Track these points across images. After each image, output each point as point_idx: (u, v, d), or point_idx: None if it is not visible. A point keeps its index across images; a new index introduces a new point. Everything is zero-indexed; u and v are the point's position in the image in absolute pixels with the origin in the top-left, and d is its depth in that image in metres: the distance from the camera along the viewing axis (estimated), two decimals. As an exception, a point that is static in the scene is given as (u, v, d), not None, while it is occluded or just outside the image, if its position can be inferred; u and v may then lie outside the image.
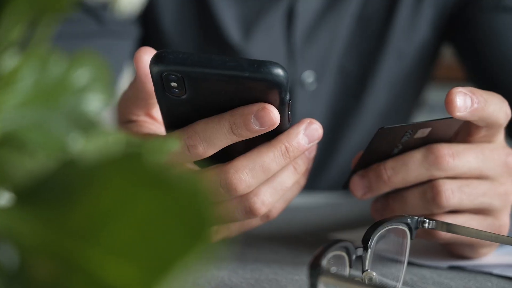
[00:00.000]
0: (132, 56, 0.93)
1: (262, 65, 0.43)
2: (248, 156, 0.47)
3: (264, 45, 0.91)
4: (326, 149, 0.99)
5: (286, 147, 0.47)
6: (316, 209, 0.79)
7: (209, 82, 0.43)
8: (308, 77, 0.94)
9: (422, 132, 0.52)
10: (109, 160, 0.21)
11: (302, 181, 0.54)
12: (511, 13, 0.90)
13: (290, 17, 0.92)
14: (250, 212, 0.49)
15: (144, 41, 0.95)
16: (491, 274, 0.54)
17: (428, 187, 0.52)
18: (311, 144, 0.48)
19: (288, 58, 0.93)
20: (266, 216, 0.53)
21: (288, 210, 0.74)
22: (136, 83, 0.50)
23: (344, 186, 0.57)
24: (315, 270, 0.35)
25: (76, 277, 0.20)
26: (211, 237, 0.17)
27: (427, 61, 1.00)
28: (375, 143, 0.52)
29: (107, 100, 0.26)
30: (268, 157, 0.47)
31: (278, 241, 0.64)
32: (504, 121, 0.52)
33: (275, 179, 0.49)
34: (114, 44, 0.87)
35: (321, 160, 0.99)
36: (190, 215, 0.18)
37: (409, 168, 0.52)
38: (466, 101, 0.49)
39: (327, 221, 0.72)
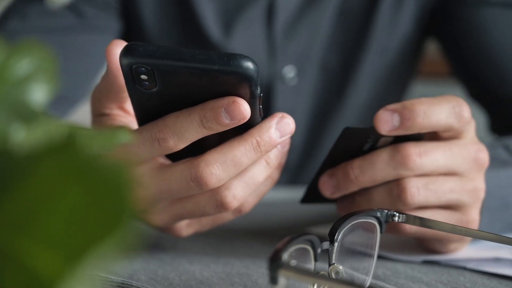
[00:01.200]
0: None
1: (232, 58, 0.42)
2: (219, 150, 0.47)
3: (244, 40, 0.91)
4: (308, 144, 0.98)
5: (257, 141, 0.47)
6: (296, 203, 0.78)
7: (179, 75, 0.43)
8: (289, 72, 0.94)
9: None
10: (45, 150, 0.21)
11: (275, 176, 0.54)
12: (493, 7, 0.90)
13: (270, 11, 0.92)
14: (221, 206, 0.48)
15: (126, 36, 0.95)
16: (464, 268, 0.54)
17: (394, 185, 0.52)
18: (283, 138, 0.48)
19: (269, 53, 0.93)
20: (238, 210, 0.52)
21: (267, 204, 0.74)
22: (107, 76, 0.49)
23: (303, 200, 0.57)
24: (275, 263, 0.35)
25: (9, 266, 0.20)
26: (130, 227, 0.17)
27: (410, 56, 1.00)
28: (341, 143, 0.53)
29: (51, 90, 0.25)
30: (239, 151, 0.47)
31: (255, 235, 0.63)
32: (460, 124, 0.52)
33: (246, 173, 0.49)
34: (95, 38, 0.87)
35: (303, 155, 0.98)
36: (111, 204, 0.17)
37: (376, 168, 0.52)
38: (393, 119, 0.50)
39: (306, 216, 0.71)
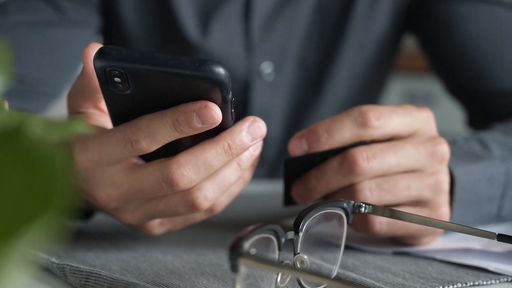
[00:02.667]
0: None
1: (203, 64, 0.43)
2: (191, 152, 0.47)
3: (221, 37, 0.92)
4: (285, 139, 0.99)
5: (228, 144, 0.48)
6: (274, 196, 0.79)
7: (152, 79, 0.44)
8: (266, 68, 0.95)
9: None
10: (-8, 137, 0.22)
11: (248, 176, 0.55)
12: (469, 3, 0.91)
13: (247, 8, 0.92)
14: (192, 206, 0.49)
15: (105, 31, 0.95)
16: (433, 259, 0.55)
17: (348, 188, 0.54)
18: (255, 141, 0.49)
19: (246, 49, 0.93)
20: (210, 210, 0.53)
21: (245, 197, 0.75)
22: (83, 77, 0.50)
23: (285, 203, 0.59)
24: (235, 252, 0.36)
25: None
26: (59, 213, 0.18)
27: (388, 51, 1.01)
28: (289, 172, 0.57)
29: (4, 80, 0.26)
30: (211, 154, 0.47)
31: (230, 228, 0.64)
32: (369, 132, 0.53)
33: (218, 175, 0.49)
34: (74, 33, 0.87)
35: (281, 150, 0.99)
36: (44, 187, 0.18)
37: (328, 177, 0.54)
38: (302, 143, 0.55)
39: (283, 209, 0.72)
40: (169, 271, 0.50)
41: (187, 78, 0.43)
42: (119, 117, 0.48)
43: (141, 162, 0.50)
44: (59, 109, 0.80)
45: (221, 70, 0.43)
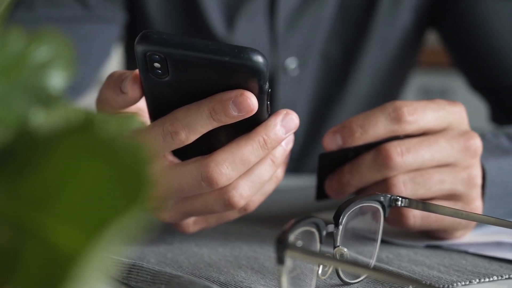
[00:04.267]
0: (118, 40, 0.94)
1: (242, 51, 0.43)
2: (228, 149, 0.48)
3: (247, 32, 0.92)
4: (309, 134, 1.00)
5: (264, 139, 0.48)
6: (300, 190, 0.79)
7: (190, 65, 0.44)
8: (291, 63, 0.95)
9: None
10: (64, 131, 0.22)
11: (280, 174, 0.55)
12: None
13: (272, 4, 0.93)
14: (228, 205, 0.49)
15: (130, 27, 0.95)
16: (466, 252, 0.55)
17: (381, 182, 0.54)
18: (288, 134, 0.49)
19: (271, 45, 0.94)
20: (244, 209, 0.54)
21: (273, 192, 0.75)
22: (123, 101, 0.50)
23: (318, 197, 0.59)
24: (282, 244, 0.36)
25: (31, 243, 0.21)
26: (148, 202, 0.18)
27: (411, 46, 1.01)
28: (323, 166, 0.57)
29: (68, 76, 0.26)
30: (247, 150, 0.48)
31: (261, 221, 0.64)
32: (402, 127, 0.54)
33: (253, 172, 0.50)
34: (100, 28, 0.88)
35: (305, 146, 1.00)
36: (130, 179, 0.18)
37: (362, 171, 0.54)
38: (336, 139, 0.55)
39: (310, 202, 0.72)
40: (206, 264, 0.50)
41: (225, 65, 0.43)
42: (156, 106, 0.49)
43: (177, 160, 0.50)
44: (85, 103, 0.80)
45: (259, 58, 0.43)
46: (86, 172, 0.21)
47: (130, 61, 1.05)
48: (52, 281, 0.20)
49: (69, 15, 0.86)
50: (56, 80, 0.26)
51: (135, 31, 0.96)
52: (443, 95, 2.48)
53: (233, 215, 0.55)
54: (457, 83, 2.36)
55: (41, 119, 0.25)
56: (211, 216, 0.54)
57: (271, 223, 0.64)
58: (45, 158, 0.22)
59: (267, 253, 0.54)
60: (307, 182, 0.88)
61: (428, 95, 2.52)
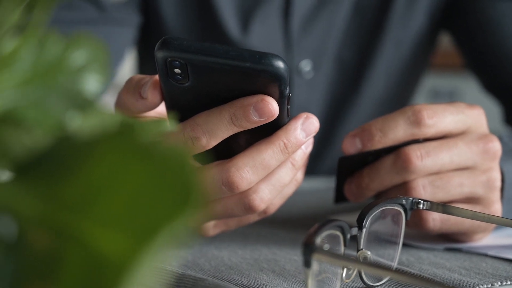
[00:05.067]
0: (133, 43, 0.94)
1: (263, 56, 0.43)
2: (248, 153, 0.48)
3: (261, 34, 0.92)
4: (324, 137, 1.00)
5: (284, 143, 0.48)
6: (315, 193, 0.79)
7: (211, 70, 0.44)
8: (305, 66, 0.95)
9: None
10: (102, 136, 0.22)
11: (300, 177, 0.55)
12: (507, 1, 0.91)
13: (287, 6, 0.93)
14: (249, 208, 0.49)
15: (145, 29, 0.96)
16: (486, 255, 0.55)
17: (400, 185, 0.55)
18: (308, 137, 0.50)
19: (286, 47, 0.94)
20: (264, 212, 0.54)
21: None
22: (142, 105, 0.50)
23: (336, 200, 0.59)
24: (309, 248, 0.36)
25: (71, 247, 0.21)
26: (198, 205, 0.18)
27: (424, 48, 1.01)
28: (342, 170, 0.57)
29: (103, 80, 0.26)
30: (268, 154, 0.48)
31: (278, 224, 0.65)
32: (423, 130, 0.53)
33: (273, 176, 0.50)
34: (114, 31, 0.88)
35: (319, 148, 1.00)
36: (177, 184, 0.18)
37: (382, 175, 0.55)
38: (356, 142, 0.55)
39: (326, 205, 0.72)
40: (227, 267, 0.50)
41: (246, 71, 0.44)
42: (176, 111, 0.49)
43: (197, 165, 0.51)
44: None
45: (280, 64, 0.43)
46: (129, 177, 0.21)
47: (143, 64, 1.05)
48: (95, 286, 0.20)
49: (84, 18, 0.86)
50: (92, 84, 0.26)
51: (149, 34, 0.96)
52: (451, 97, 2.48)
53: (253, 218, 0.55)
54: (466, 85, 2.37)
55: (77, 123, 0.25)
56: (231, 219, 0.54)
57: (289, 226, 0.64)
58: (85, 163, 0.22)
59: (287, 255, 0.54)
60: (321, 184, 0.88)
61: (437, 97, 2.52)
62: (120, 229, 0.20)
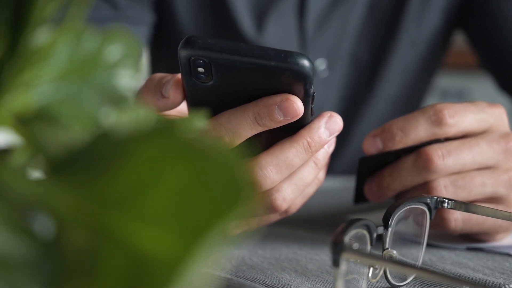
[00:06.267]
0: (147, 42, 0.94)
1: (289, 55, 0.43)
2: (272, 152, 0.47)
3: (276, 33, 0.92)
4: (338, 135, 0.99)
5: (308, 142, 0.48)
6: (332, 192, 0.79)
7: (235, 69, 0.44)
8: (320, 64, 0.95)
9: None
10: (141, 132, 0.22)
11: (322, 176, 0.55)
12: None
13: (302, 5, 0.92)
14: (271, 208, 0.49)
15: (158, 28, 0.95)
16: (508, 255, 0.55)
17: (421, 185, 0.54)
18: (332, 136, 0.49)
19: (300, 46, 0.93)
20: (285, 211, 0.53)
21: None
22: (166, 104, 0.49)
23: (356, 200, 0.59)
24: (338, 247, 0.36)
25: (110, 245, 0.21)
26: (249, 202, 0.18)
27: (439, 48, 1.00)
28: (362, 170, 0.57)
29: (136, 76, 0.26)
30: (291, 153, 0.47)
31: (297, 223, 0.64)
32: (444, 130, 0.53)
33: (296, 175, 0.49)
34: (129, 30, 0.88)
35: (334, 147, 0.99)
36: (225, 181, 0.18)
37: (403, 175, 0.54)
38: (377, 142, 0.55)
39: (343, 204, 0.72)
40: (249, 266, 0.50)
41: (271, 70, 0.43)
42: (197, 110, 0.48)
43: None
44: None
45: (306, 63, 0.43)
46: (172, 174, 0.20)
47: (155, 63, 1.04)
48: (138, 285, 0.20)
49: (99, 16, 0.86)
50: (126, 79, 0.26)
51: (162, 32, 0.96)
52: (460, 96, 2.47)
53: (274, 217, 0.54)
54: (474, 84, 2.36)
55: (112, 119, 0.25)
56: (252, 218, 0.54)
57: (308, 225, 0.63)
58: (124, 160, 0.21)
59: (308, 255, 0.53)
60: (335, 183, 0.87)
61: (445, 96, 2.51)
62: (163, 226, 0.19)
